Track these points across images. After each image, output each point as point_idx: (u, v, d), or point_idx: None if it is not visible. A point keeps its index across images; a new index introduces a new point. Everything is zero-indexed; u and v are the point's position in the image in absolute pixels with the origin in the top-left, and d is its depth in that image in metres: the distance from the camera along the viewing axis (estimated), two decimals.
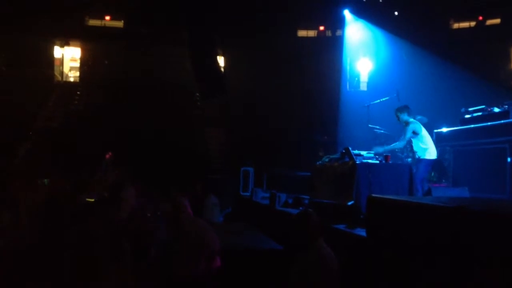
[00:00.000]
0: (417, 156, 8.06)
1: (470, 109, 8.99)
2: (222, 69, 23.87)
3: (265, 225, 8.37)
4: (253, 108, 20.31)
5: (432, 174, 9.93)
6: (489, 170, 7.99)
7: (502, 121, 7.83)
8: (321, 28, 25.07)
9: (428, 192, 6.97)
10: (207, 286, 4.83)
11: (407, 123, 8.01)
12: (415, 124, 8.02)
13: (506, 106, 8.08)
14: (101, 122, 18.27)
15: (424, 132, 8.00)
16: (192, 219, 5.24)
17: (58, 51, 24.93)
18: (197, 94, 22.42)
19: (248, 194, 12.13)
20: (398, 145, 8.03)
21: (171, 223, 5.44)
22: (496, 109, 8.28)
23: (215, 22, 20.25)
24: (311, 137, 18.10)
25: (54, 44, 24.59)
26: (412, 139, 8.04)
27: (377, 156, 7.27)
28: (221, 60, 24.36)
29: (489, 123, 8.17)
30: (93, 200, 6.03)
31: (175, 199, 5.66)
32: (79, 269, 3.43)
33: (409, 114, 8.15)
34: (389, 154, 7.87)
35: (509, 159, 7.55)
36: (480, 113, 8.65)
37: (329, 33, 24.89)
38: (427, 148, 7.91)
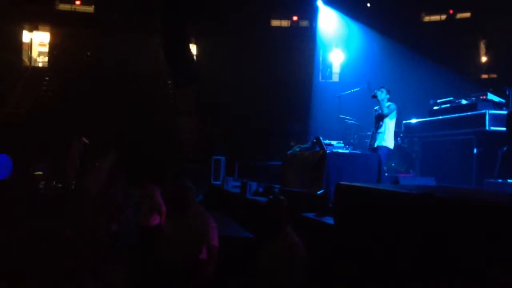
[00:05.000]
0: (378, 143, 7.99)
1: (439, 101, 9.10)
2: (195, 58, 23.71)
3: (236, 213, 8.40)
4: (226, 97, 20.25)
5: (393, 164, 10.03)
6: (456, 160, 8.14)
7: (469, 113, 7.96)
8: (295, 18, 25.09)
9: (396, 181, 7.07)
10: (203, 275, 4.91)
11: (390, 104, 7.99)
12: (396, 106, 8.04)
13: (474, 99, 8.22)
14: (70, 109, 17.97)
15: (394, 120, 8.06)
16: (199, 212, 5.25)
17: (26, 36, 24.35)
18: (170, 82, 22.25)
19: (219, 182, 12.11)
20: (384, 111, 7.93)
21: (177, 213, 5.44)
22: (464, 101, 8.42)
23: (188, 11, 20.07)
24: (283, 127, 18.18)
25: (23, 28, 23.99)
26: (386, 120, 8.01)
27: (347, 146, 7.34)
28: (193, 49, 24.18)
29: (456, 115, 8.29)
30: (41, 173, 6.01)
31: (183, 190, 5.65)
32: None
33: (389, 97, 8.12)
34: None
35: (475, 150, 7.70)
36: (448, 105, 8.78)
37: (302, 23, 24.92)
38: (391, 136, 7.96)
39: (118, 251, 5.70)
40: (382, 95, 8.07)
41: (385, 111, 7.95)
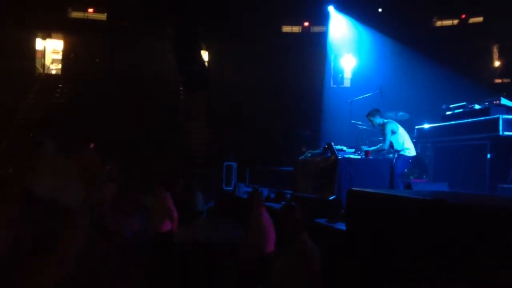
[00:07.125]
0: (396, 153, 7.87)
1: (451, 105, 9.02)
2: (206, 64, 23.81)
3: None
4: (237, 102, 20.26)
5: (406, 170, 9.92)
6: (469, 166, 8.06)
7: (483, 118, 7.87)
8: (306, 24, 25.08)
9: (408, 187, 7.02)
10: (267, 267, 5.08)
11: (383, 124, 7.76)
12: (392, 124, 7.73)
13: (487, 103, 8.13)
14: (83, 116, 18.09)
15: (401, 130, 7.75)
16: (257, 215, 5.44)
17: (40, 43, 24.59)
18: (181, 88, 22.34)
19: (231, 188, 12.14)
20: (382, 146, 7.68)
21: (246, 214, 5.77)
22: (477, 106, 8.33)
23: (199, 17, 20.19)
24: (294, 132, 18.14)
25: (36, 36, 24.24)
26: (391, 138, 7.84)
27: (358, 152, 7.30)
28: (205, 55, 24.28)
29: (469, 120, 8.21)
30: None
31: (252, 194, 5.98)
32: None
33: (381, 116, 7.87)
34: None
35: (488, 156, 7.63)
36: (461, 110, 8.70)
37: (313, 29, 24.90)
38: (405, 146, 7.67)
39: (130, 256, 5.72)
40: (376, 122, 7.84)
41: (395, 146, 7.73)
